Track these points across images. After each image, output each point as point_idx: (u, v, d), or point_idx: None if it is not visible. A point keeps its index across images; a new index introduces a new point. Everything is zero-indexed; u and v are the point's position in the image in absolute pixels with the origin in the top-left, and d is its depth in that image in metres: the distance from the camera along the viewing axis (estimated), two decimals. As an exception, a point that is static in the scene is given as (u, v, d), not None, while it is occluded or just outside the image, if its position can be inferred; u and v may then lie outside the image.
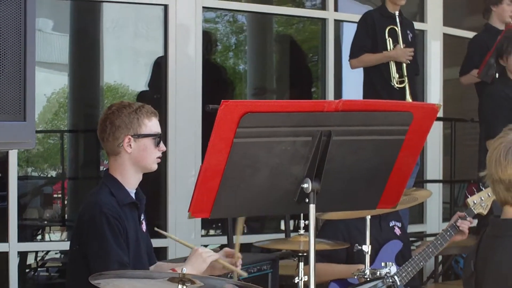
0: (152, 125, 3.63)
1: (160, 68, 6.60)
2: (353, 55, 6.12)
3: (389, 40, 6.01)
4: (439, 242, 4.39)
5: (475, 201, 4.56)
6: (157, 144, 3.64)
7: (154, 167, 3.68)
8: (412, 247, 4.99)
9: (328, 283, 4.34)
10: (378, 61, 6.01)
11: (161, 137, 3.68)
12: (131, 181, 3.65)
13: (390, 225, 4.58)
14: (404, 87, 5.96)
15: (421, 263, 4.31)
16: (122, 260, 3.42)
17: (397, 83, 5.96)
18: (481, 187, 4.60)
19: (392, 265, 4.04)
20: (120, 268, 3.35)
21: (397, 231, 4.60)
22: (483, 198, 4.57)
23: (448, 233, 4.42)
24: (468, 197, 4.62)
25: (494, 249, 2.83)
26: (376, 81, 6.04)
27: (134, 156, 3.61)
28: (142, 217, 3.75)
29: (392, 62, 5.98)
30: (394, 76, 5.97)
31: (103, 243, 3.45)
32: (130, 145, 3.60)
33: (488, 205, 4.55)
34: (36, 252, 7.01)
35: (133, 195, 3.68)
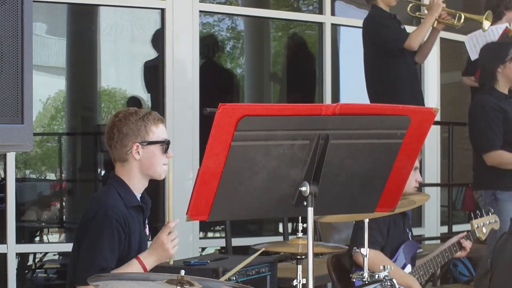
0: (159, 132, 3.63)
1: (157, 71, 6.60)
2: (401, 43, 5.90)
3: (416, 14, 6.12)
4: (446, 254, 4.49)
5: (478, 225, 4.57)
6: (165, 151, 3.63)
7: (162, 175, 3.67)
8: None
9: None
10: (425, 32, 5.95)
11: (169, 144, 3.66)
12: (137, 186, 3.66)
13: (407, 231, 4.63)
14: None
15: (431, 270, 4.43)
16: (106, 265, 3.43)
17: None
18: (483, 213, 4.65)
19: (408, 265, 4.14)
20: (99, 272, 3.35)
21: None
22: (485, 224, 4.59)
23: (454, 248, 4.51)
24: (473, 218, 4.65)
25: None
26: (386, 81, 6.00)
27: (142, 163, 3.62)
28: (146, 220, 3.77)
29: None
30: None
31: (95, 245, 3.47)
32: (138, 152, 3.60)
33: (487, 232, 4.56)
34: (34, 253, 7.01)
35: (138, 199, 3.69)
